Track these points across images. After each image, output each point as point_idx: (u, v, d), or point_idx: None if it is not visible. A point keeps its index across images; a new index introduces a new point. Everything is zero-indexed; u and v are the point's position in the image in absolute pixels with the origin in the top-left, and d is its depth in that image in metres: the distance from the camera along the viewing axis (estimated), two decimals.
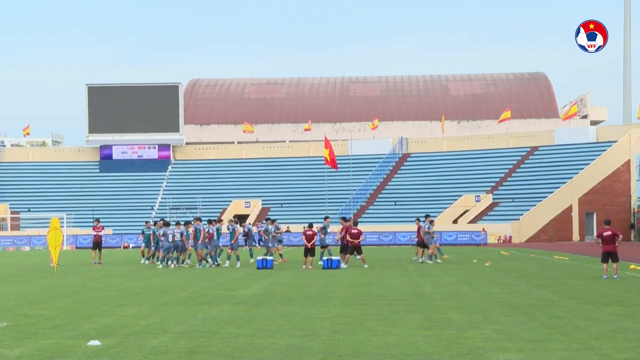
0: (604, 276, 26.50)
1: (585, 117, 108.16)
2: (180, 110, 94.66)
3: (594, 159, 78.82)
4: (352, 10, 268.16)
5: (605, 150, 79.55)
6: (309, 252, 33.54)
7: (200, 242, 35.40)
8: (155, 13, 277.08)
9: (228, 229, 37.17)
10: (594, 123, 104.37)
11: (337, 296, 20.84)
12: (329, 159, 66.08)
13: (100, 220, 43.58)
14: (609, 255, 26.61)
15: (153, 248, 38.93)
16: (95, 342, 13.00)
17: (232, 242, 36.81)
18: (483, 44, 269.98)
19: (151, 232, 39.08)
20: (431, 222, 37.59)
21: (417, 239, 38.64)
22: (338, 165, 76.21)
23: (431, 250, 37.48)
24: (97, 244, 40.27)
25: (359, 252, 34.39)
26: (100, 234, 40.69)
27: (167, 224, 37.28)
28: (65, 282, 27.09)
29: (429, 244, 37.26)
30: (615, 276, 26.20)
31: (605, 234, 26.67)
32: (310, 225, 35.02)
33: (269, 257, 34.11)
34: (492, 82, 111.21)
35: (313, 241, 33.62)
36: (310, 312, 17.26)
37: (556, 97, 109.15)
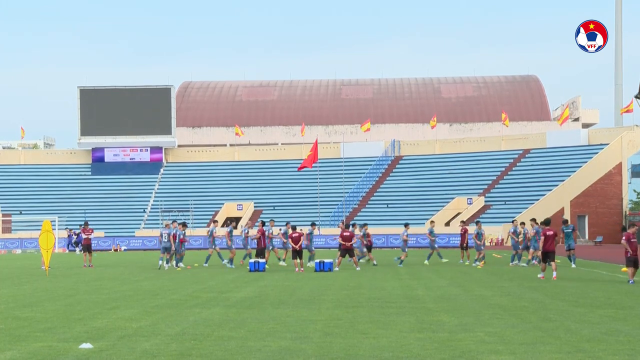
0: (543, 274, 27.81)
1: (577, 120, 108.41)
2: (173, 112, 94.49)
3: (586, 162, 78.96)
4: (344, 12, 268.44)
5: (597, 153, 79.71)
6: (298, 254, 33.65)
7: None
8: (147, 16, 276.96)
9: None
10: (585, 126, 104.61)
11: (329, 299, 20.84)
12: (306, 158, 68.98)
13: (92, 222, 43.56)
14: (549, 255, 27.77)
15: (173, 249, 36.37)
16: (87, 345, 12.98)
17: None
18: (475, 47, 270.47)
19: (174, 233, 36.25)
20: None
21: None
22: (331, 168, 76.28)
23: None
24: (88, 247, 40.32)
25: (351, 255, 34.52)
26: (90, 237, 40.72)
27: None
28: (57, 285, 27.04)
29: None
30: (555, 273, 27.45)
31: (548, 233, 27.75)
32: (294, 228, 35.16)
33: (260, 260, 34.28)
34: (484, 85, 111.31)
35: (300, 243, 33.72)
36: (303, 314, 17.26)
37: (548, 100, 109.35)
